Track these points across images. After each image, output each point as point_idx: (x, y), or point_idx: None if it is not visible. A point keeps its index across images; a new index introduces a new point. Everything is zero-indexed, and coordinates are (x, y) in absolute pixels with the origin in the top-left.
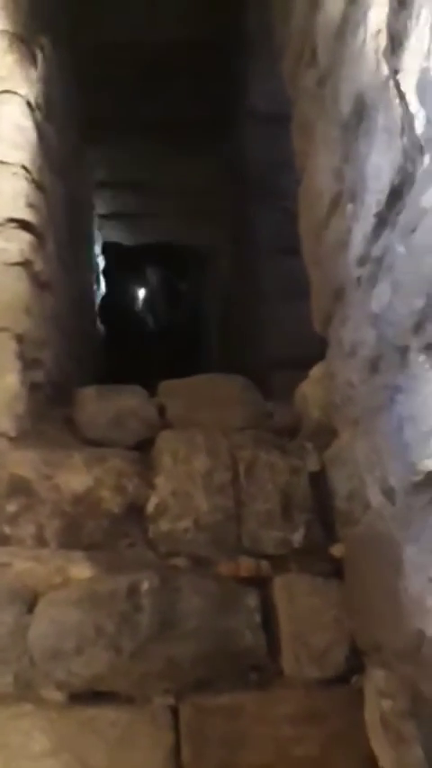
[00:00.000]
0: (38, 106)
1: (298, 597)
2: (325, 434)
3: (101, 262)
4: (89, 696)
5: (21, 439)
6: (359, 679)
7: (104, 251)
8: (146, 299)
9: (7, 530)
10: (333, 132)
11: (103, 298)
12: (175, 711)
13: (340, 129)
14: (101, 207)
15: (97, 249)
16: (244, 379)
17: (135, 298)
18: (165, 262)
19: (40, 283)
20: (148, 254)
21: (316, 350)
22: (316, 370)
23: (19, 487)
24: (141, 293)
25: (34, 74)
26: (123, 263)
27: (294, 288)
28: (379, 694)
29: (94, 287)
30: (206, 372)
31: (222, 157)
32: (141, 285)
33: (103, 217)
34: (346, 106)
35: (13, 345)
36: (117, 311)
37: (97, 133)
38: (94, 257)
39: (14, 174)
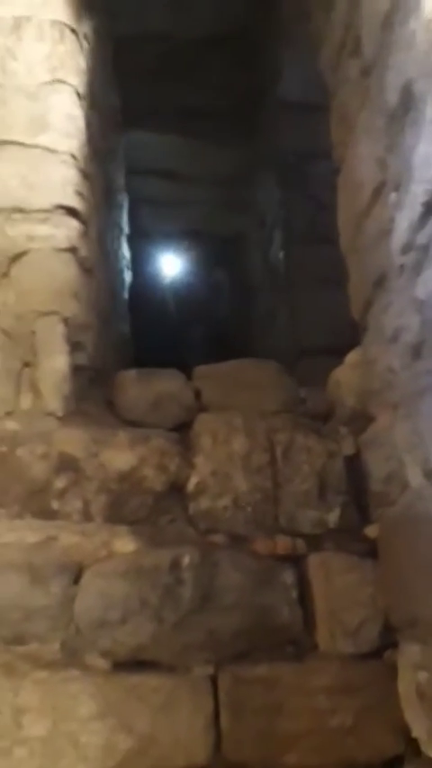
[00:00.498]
0: (84, 95)
1: (333, 575)
2: (359, 419)
3: (132, 248)
4: (132, 664)
5: (67, 418)
6: (392, 653)
7: (135, 237)
8: (175, 286)
9: (55, 505)
10: (377, 122)
11: (133, 284)
12: (214, 681)
13: (385, 119)
14: (133, 194)
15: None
16: (277, 364)
17: (164, 285)
18: (194, 249)
19: (84, 269)
20: (178, 242)
21: (344, 338)
22: (351, 357)
23: (67, 464)
24: (170, 280)
25: (82, 63)
26: (154, 251)
27: (324, 276)
28: (414, 667)
29: (127, 273)
30: (235, 358)
31: (253, 146)
32: (171, 272)
33: (134, 204)
34: (392, 96)
35: (61, 328)
36: (147, 297)
37: (131, 121)
38: (127, 244)
39: (63, 161)
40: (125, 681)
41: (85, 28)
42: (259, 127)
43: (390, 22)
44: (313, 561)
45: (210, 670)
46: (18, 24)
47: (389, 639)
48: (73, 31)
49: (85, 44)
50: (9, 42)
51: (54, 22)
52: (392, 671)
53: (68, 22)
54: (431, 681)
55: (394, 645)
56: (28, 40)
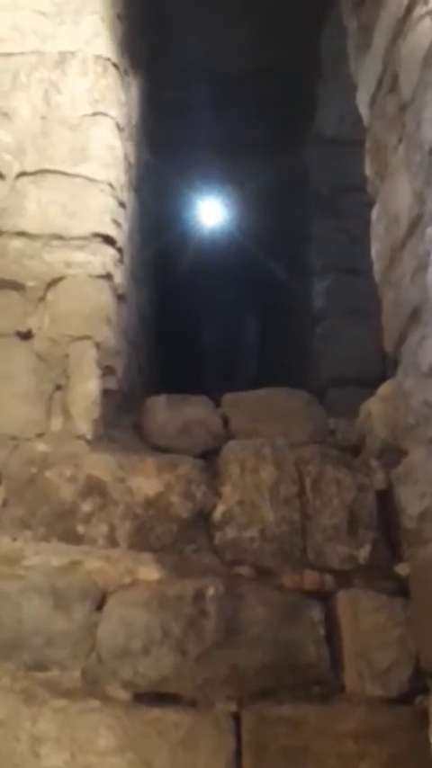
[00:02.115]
0: (123, 127)
1: (362, 613)
2: (391, 453)
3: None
4: (153, 697)
5: (96, 442)
6: (423, 699)
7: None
8: (201, 314)
9: (81, 529)
10: (414, 157)
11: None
12: (237, 718)
13: (423, 154)
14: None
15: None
16: (307, 394)
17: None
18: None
19: (118, 296)
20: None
21: (373, 369)
22: (383, 389)
23: (94, 488)
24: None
25: (123, 97)
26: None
27: (353, 307)
28: None
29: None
30: (257, 387)
31: (286, 178)
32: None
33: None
34: (431, 132)
35: (93, 353)
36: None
37: (169, 152)
38: (157, 272)
39: (102, 191)
40: (145, 714)
41: (127, 62)
42: (293, 159)
43: (429, 62)
44: (342, 598)
45: (232, 707)
46: (63, 59)
47: (420, 684)
48: (115, 65)
49: (126, 78)
50: (53, 76)
51: (97, 58)
52: (423, 718)
53: (111, 57)
54: None
55: (425, 690)
56: (72, 74)
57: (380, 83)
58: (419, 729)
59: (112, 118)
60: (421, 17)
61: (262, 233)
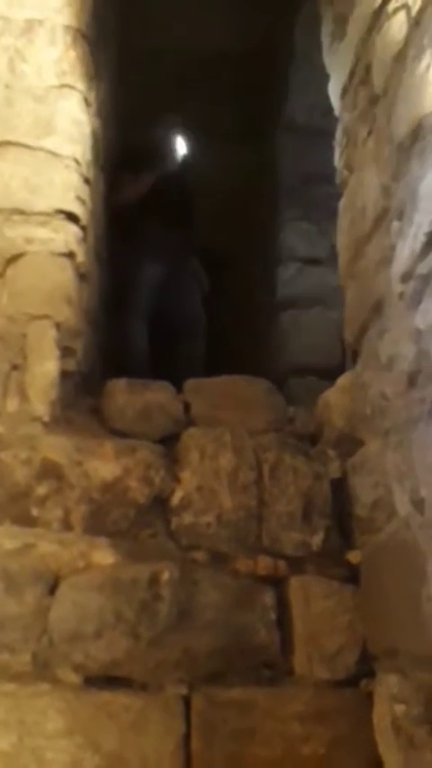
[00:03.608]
0: (91, 102)
1: (313, 599)
2: (347, 442)
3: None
4: (104, 680)
5: (53, 424)
6: (368, 683)
7: None
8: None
9: (35, 512)
10: (383, 150)
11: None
12: (187, 701)
13: (392, 148)
14: None
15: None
16: (267, 382)
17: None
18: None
19: (80, 275)
20: None
21: (333, 360)
22: (342, 380)
23: (50, 471)
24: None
25: (92, 70)
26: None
27: (316, 297)
28: (391, 699)
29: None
30: (220, 374)
31: (252, 165)
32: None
33: None
34: (401, 127)
35: (53, 333)
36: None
37: (134, 132)
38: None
39: (67, 166)
40: (95, 697)
41: (98, 35)
42: (260, 147)
43: (403, 56)
44: (294, 584)
45: (183, 690)
46: (30, 27)
47: (366, 668)
48: (84, 36)
49: (95, 51)
50: (19, 44)
51: (67, 28)
52: (368, 701)
53: (81, 28)
54: (408, 714)
55: (371, 674)
56: (39, 43)
57: (352, 74)
58: (364, 711)
59: (80, 91)
60: (396, 10)
61: (227, 221)
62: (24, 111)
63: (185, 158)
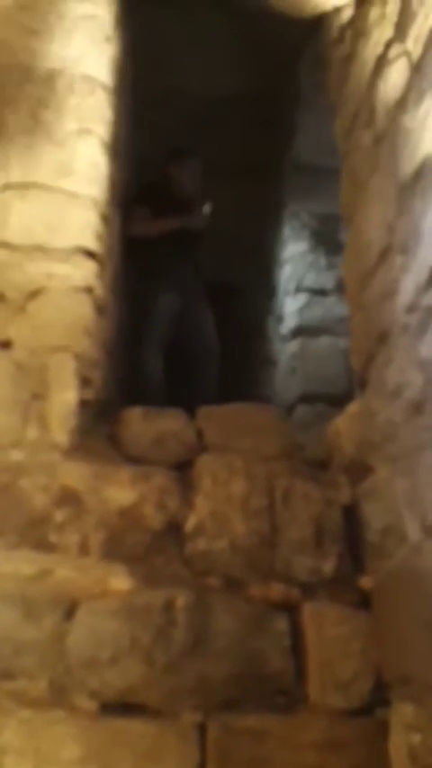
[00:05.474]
0: (108, 144)
1: (327, 625)
2: (357, 469)
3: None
4: (119, 707)
5: (72, 452)
6: (384, 712)
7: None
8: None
9: (53, 537)
10: (387, 188)
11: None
12: (202, 729)
13: (396, 186)
14: None
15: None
16: (278, 409)
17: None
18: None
19: (98, 308)
20: None
21: (340, 387)
22: (352, 407)
23: (68, 498)
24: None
25: (108, 115)
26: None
27: (324, 326)
28: (407, 728)
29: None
30: (230, 401)
31: (261, 201)
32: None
33: None
34: (405, 166)
35: (72, 364)
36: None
37: (148, 172)
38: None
39: (85, 205)
40: (111, 724)
41: (114, 81)
42: (268, 185)
43: (404, 100)
44: (307, 610)
45: (198, 717)
46: (51, 76)
47: (381, 696)
48: (102, 84)
49: (112, 97)
50: (42, 92)
51: (85, 77)
52: (383, 729)
53: (99, 77)
54: (425, 743)
55: (386, 702)
56: (60, 92)
57: (357, 115)
58: (379, 741)
59: (99, 135)
60: (398, 56)
61: (237, 255)
62: (45, 154)
63: (208, 218)
